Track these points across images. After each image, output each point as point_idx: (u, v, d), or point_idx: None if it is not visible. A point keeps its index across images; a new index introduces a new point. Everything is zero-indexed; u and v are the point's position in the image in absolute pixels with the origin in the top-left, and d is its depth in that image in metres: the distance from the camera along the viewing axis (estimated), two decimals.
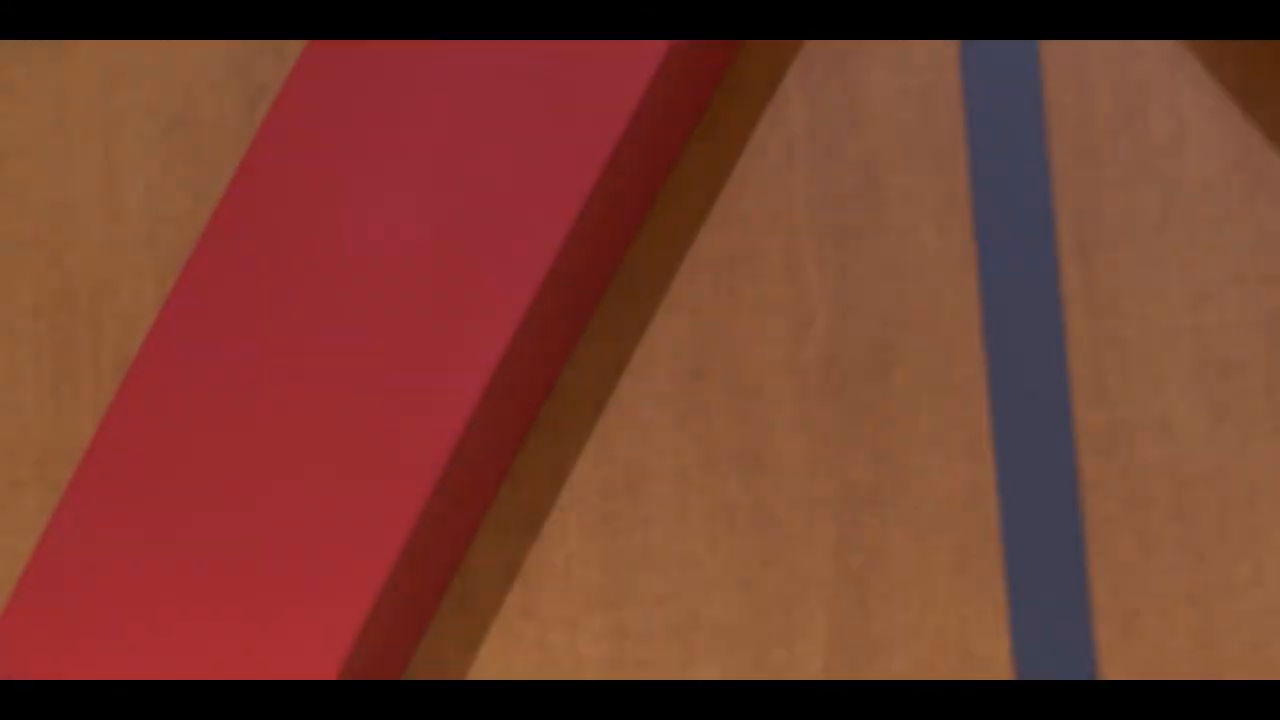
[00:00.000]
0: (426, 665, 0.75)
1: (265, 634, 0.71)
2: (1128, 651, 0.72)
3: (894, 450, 0.74)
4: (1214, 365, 0.72)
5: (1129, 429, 0.73)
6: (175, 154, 0.79)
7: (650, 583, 0.75)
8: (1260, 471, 0.72)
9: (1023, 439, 0.73)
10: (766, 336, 0.75)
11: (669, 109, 0.74)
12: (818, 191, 0.75)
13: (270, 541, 0.72)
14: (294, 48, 0.79)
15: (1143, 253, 0.73)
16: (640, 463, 0.75)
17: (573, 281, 0.74)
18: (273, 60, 0.79)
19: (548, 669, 0.74)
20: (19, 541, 0.78)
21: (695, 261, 0.76)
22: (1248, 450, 0.72)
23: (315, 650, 0.71)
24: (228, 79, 0.79)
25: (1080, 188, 0.74)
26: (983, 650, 0.73)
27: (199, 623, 0.72)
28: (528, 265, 0.72)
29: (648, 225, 0.76)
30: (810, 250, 0.75)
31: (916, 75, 0.75)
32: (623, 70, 0.72)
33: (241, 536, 0.72)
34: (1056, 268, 0.74)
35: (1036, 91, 0.75)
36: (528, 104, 0.73)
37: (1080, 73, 0.74)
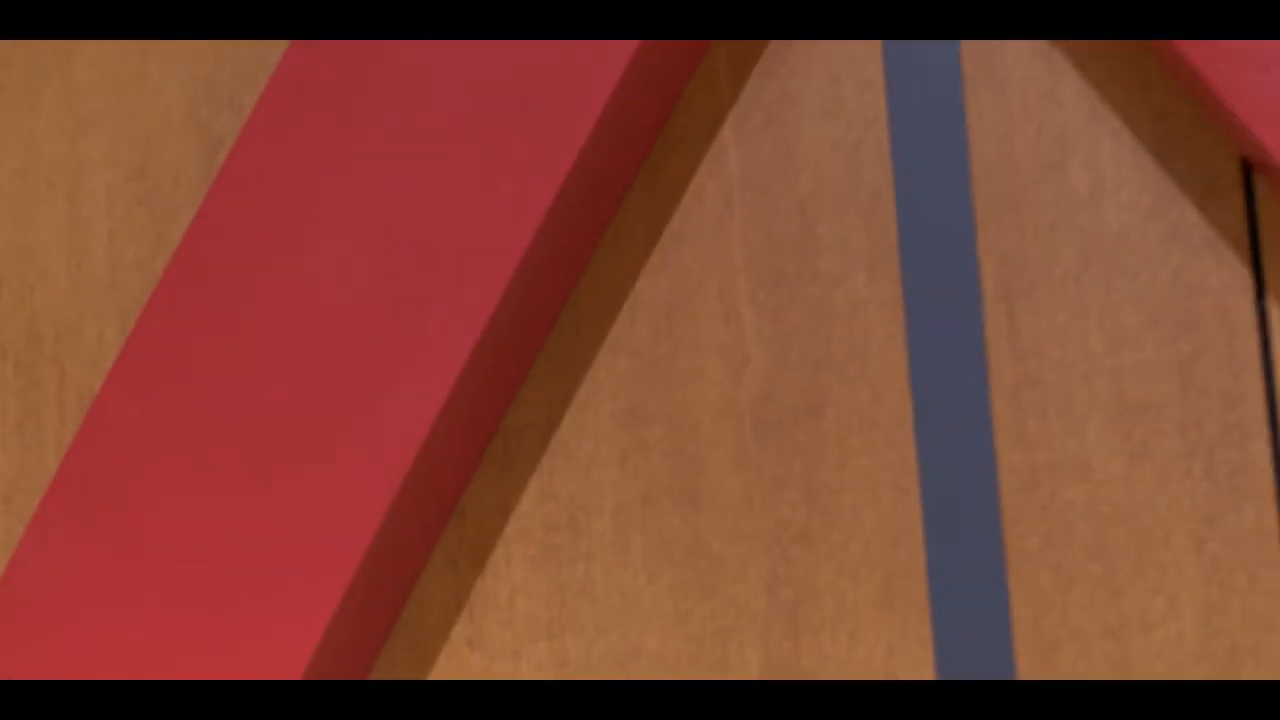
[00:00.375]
0: None
1: (219, 663, 0.74)
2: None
3: (824, 488, 0.77)
4: (1131, 407, 0.75)
5: (1049, 468, 0.76)
6: (137, 201, 0.82)
7: (591, 614, 0.77)
8: (1174, 510, 0.75)
9: (947, 478, 0.76)
10: (704, 378, 0.78)
11: (609, 158, 0.78)
12: (753, 239, 0.78)
13: (221, 577, 0.74)
14: (250, 98, 0.82)
15: (1063, 299, 0.76)
16: (582, 499, 0.78)
17: (518, 324, 0.77)
18: (230, 112, 0.82)
19: None
20: None
21: (635, 305, 0.79)
22: (1162, 489, 0.75)
23: (267, 679, 0.74)
24: (187, 129, 0.82)
25: (1003, 236, 0.77)
26: (909, 679, 0.76)
27: (142, 660, 0.75)
28: (474, 309, 0.75)
29: (590, 270, 0.79)
30: (746, 295, 0.78)
31: (847, 128, 0.78)
32: (560, 125, 0.75)
33: (193, 571, 0.75)
34: (980, 313, 0.77)
35: (961, 144, 0.78)
36: (471, 150, 0.76)
37: (1004, 126, 0.77)
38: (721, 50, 0.79)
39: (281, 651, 0.73)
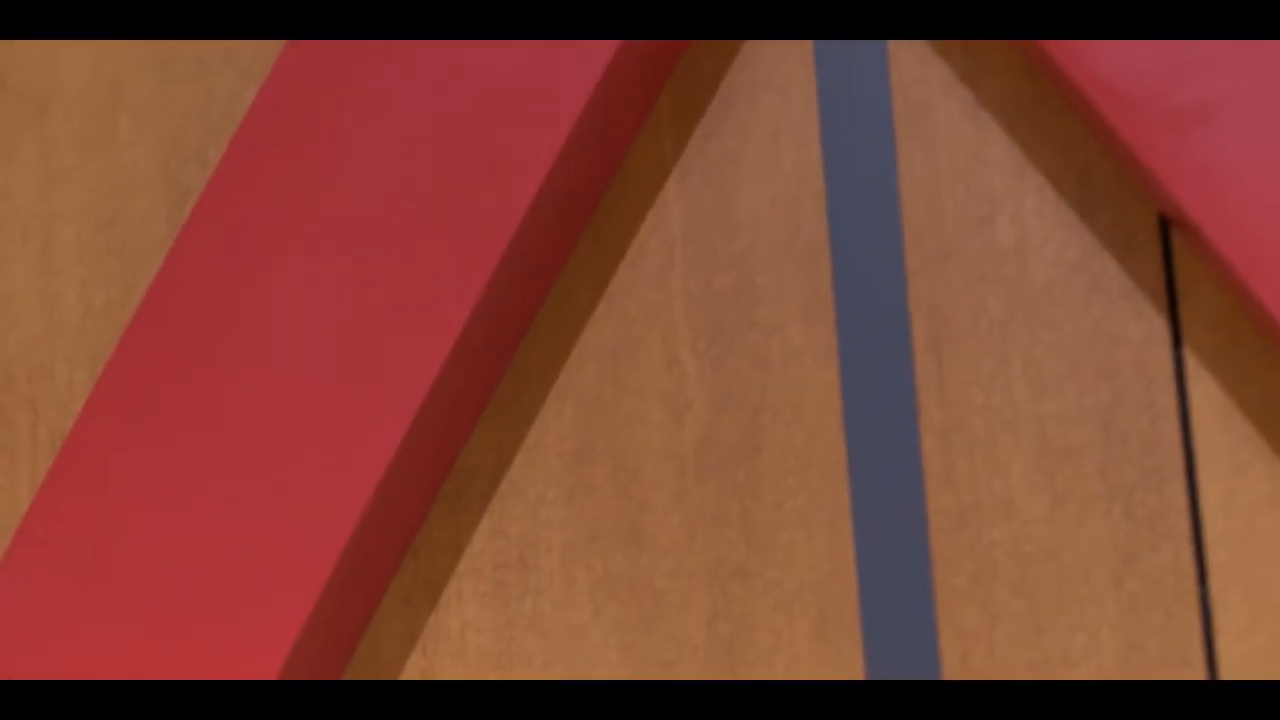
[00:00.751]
0: None
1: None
2: None
3: (761, 527, 0.80)
4: (1053, 451, 0.79)
5: (976, 510, 0.79)
6: (107, 250, 0.86)
7: (539, 648, 0.81)
8: (1094, 549, 0.78)
9: (879, 518, 0.80)
10: (647, 422, 0.82)
11: (558, 212, 0.81)
12: (695, 290, 0.82)
13: (179, 614, 0.78)
14: (216, 153, 0.85)
15: (990, 348, 0.80)
16: (531, 536, 0.82)
17: (471, 370, 0.80)
18: (197, 166, 0.85)
19: None
20: None
21: (582, 353, 0.83)
22: (1083, 530, 0.78)
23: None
24: (156, 182, 0.86)
25: (933, 288, 0.81)
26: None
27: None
28: (428, 356, 0.78)
29: (539, 319, 0.83)
30: (687, 343, 0.82)
31: (784, 184, 0.82)
32: (510, 183, 0.79)
33: (153, 608, 0.78)
34: (911, 361, 0.80)
35: (893, 199, 0.81)
36: (427, 208, 0.79)
37: (933, 182, 0.81)
38: (665, 109, 0.83)
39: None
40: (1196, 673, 0.76)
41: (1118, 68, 0.76)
